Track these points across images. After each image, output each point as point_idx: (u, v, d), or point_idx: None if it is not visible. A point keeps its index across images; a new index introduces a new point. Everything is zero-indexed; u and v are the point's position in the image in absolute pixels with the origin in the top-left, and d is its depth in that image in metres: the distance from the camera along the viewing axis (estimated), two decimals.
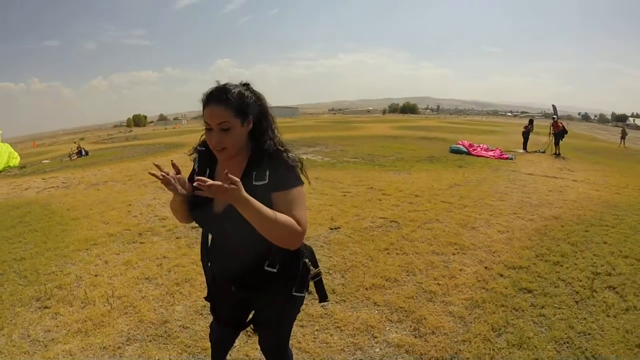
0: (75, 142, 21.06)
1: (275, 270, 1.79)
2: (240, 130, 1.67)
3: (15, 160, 18.93)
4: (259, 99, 1.76)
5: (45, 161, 19.85)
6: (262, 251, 1.76)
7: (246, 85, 1.75)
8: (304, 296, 1.97)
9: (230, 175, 1.44)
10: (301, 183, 1.71)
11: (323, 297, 2.03)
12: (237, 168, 1.72)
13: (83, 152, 20.52)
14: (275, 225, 1.56)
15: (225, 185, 1.44)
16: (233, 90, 1.66)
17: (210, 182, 1.43)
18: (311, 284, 1.99)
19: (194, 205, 1.81)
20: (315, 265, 1.95)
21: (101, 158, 18.61)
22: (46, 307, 3.90)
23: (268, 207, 1.57)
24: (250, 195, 1.53)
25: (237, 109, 1.64)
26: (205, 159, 1.86)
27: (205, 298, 2.13)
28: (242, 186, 1.48)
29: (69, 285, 4.35)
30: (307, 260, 1.90)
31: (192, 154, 1.95)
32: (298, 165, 1.74)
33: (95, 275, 4.60)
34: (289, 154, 1.73)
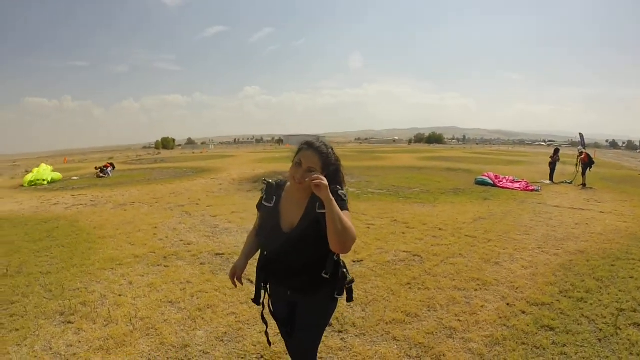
0: (102, 163, 21.67)
1: (328, 277, 2.22)
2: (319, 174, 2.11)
3: (59, 176, 19.70)
4: (337, 159, 2.31)
5: (75, 178, 20.44)
6: (321, 262, 2.21)
7: (332, 148, 2.29)
8: (337, 300, 2.37)
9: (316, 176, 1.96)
10: (348, 210, 2.16)
11: (350, 299, 2.41)
12: (304, 195, 2.22)
13: (108, 172, 21.10)
14: (346, 224, 1.95)
15: (323, 182, 1.92)
16: (327, 151, 2.23)
17: (323, 179, 1.93)
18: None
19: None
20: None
21: (129, 179, 19.05)
22: (70, 322, 4.08)
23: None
24: (314, 218, 2.10)
25: (324, 163, 2.19)
26: (272, 190, 2.32)
27: (253, 300, 2.48)
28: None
29: (93, 303, 4.53)
30: (345, 269, 2.36)
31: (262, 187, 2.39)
32: (346, 199, 2.18)
33: (120, 295, 4.76)
34: (342, 191, 2.19)
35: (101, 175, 20.41)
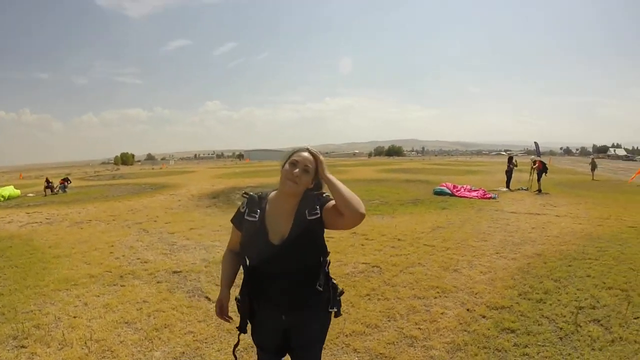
0: (57, 180, 21.34)
1: (322, 289, 2.13)
2: (309, 180, 2.11)
3: (17, 192, 19.73)
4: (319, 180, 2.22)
5: (30, 195, 20.04)
6: (314, 273, 2.12)
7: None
8: (334, 313, 2.25)
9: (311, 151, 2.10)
10: None
11: (338, 313, 2.27)
12: (292, 203, 2.12)
13: (64, 188, 20.87)
14: (350, 191, 1.96)
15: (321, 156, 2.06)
16: (320, 157, 2.13)
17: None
18: None
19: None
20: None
21: (86, 196, 18.78)
22: (23, 347, 3.87)
23: (320, 235, 2.12)
24: (305, 226, 2.05)
25: (317, 167, 2.11)
26: (254, 203, 2.17)
27: (238, 328, 2.25)
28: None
29: (47, 326, 4.30)
30: (334, 280, 2.26)
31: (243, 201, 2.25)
32: None
33: (74, 317, 4.54)
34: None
35: (51, 191, 20.11)
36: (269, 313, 2.18)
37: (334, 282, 2.25)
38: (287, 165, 2.09)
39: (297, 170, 2.04)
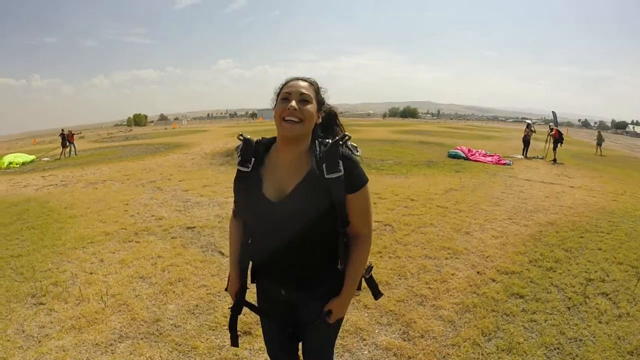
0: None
1: (339, 268, 1.74)
2: (314, 113, 1.67)
3: (32, 157, 19.88)
4: (328, 105, 1.82)
5: (45, 159, 20.08)
6: (324, 246, 1.72)
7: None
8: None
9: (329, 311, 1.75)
10: (368, 179, 1.70)
11: (377, 293, 1.94)
12: (295, 154, 1.68)
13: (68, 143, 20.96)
14: (364, 265, 1.75)
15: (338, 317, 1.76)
16: (315, 81, 1.74)
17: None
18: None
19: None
20: None
21: (100, 157, 18.83)
22: (41, 304, 3.93)
23: (343, 199, 1.62)
24: (324, 187, 1.59)
25: (316, 92, 1.70)
26: (250, 150, 1.74)
27: (231, 308, 1.93)
28: (341, 304, 1.76)
29: (64, 283, 4.38)
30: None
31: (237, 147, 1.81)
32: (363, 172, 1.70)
33: (91, 273, 4.62)
34: (356, 154, 1.71)
35: (70, 142, 20.46)
36: (267, 286, 1.89)
37: None
38: (279, 103, 1.66)
39: (292, 103, 1.60)
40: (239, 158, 1.75)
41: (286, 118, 1.60)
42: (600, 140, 24.22)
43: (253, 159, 1.72)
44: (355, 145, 1.72)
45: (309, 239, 1.66)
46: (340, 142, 1.65)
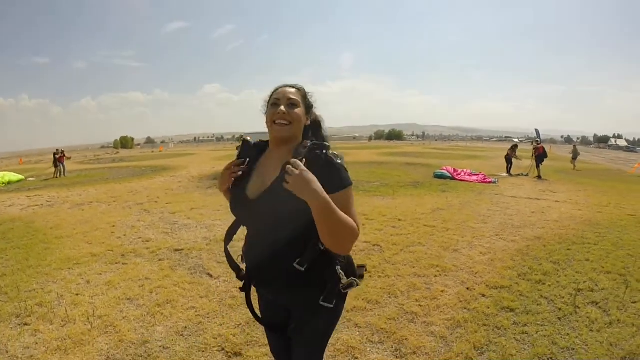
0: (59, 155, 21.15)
1: (302, 270, 1.66)
2: (302, 117, 1.78)
3: (19, 177, 19.56)
4: (315, 114, 1.90)
5: (31, 179, 19.98)
6: (296, 245, 1.66)
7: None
8: (334, 308, 1.75)
9: (294, 161, 1.52)
10: (351, 183, 1.67)
11: (336, 308, 1.81)
12: (283, 155, 1.73)
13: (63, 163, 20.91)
14: (342, 222, 1.50)
15: (303, 172, 1.48)
16: (302, 87, 1.85)
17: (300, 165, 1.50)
18: None
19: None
20: (350, 275, 1.76)
21: (87, 178, 18.85)
22: (26, 324, 3.87)
23: None
24: None
25: (303, 97, 1.81)
26: (247, 150, 1.85)
27: (241, 289, 1.93)
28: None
29: (49, 303, 4.31)
30: (339, 267, 1.72)
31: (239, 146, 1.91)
32: (346, 171, 1.68)
33: (77, 294, 4.55)
34: (339, 159, 1.68)
35: (61, 164, 20.43)
36: (265, 291, 1.92)
37: (338, 269, 1.72)
38: (269, 109, 1.77)
39: (281, 107, 1.71)
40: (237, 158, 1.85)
41: (276, 121, 1.72)
42: (575, 154, 23.78)
43: (247, 160, 1.82)
44: (337, 153, 1.70)
45: (281, 236, 1.65)
46: (323, 149, 1.67)
